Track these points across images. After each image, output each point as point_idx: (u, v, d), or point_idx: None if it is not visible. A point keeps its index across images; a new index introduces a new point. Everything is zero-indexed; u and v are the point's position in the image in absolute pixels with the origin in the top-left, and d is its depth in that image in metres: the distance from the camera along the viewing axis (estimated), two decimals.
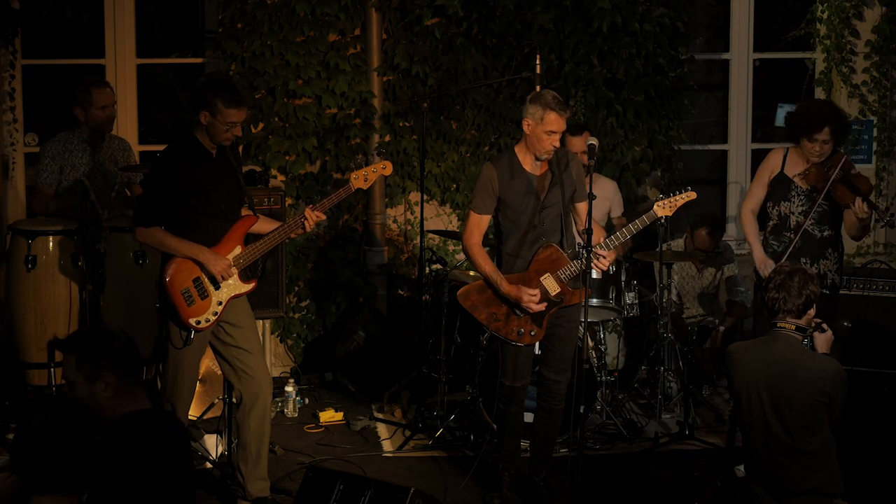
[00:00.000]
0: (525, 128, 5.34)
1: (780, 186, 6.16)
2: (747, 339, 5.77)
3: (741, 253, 7.70)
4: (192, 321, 5.12)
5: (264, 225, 5.35)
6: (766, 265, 6.03)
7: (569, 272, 5.40)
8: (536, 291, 5.35)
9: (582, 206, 5.45)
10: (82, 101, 6.40)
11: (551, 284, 5.40)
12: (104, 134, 6.53)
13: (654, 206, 5.42)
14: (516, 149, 5.44)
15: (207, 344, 5.33)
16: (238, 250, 5.22)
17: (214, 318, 5.17)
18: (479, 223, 5.43)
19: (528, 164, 5.41)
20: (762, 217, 6.33)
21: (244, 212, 5.37)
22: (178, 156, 5.17)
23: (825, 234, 6.08)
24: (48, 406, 3.23)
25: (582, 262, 5.26)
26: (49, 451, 3.12)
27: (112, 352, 3.81)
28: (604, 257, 5.33)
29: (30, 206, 7.58)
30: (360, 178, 5.40)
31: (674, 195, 5.43)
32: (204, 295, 5.14)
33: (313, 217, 5.29)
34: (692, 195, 5.48)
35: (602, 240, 5.37)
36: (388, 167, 5.50)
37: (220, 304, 5.18)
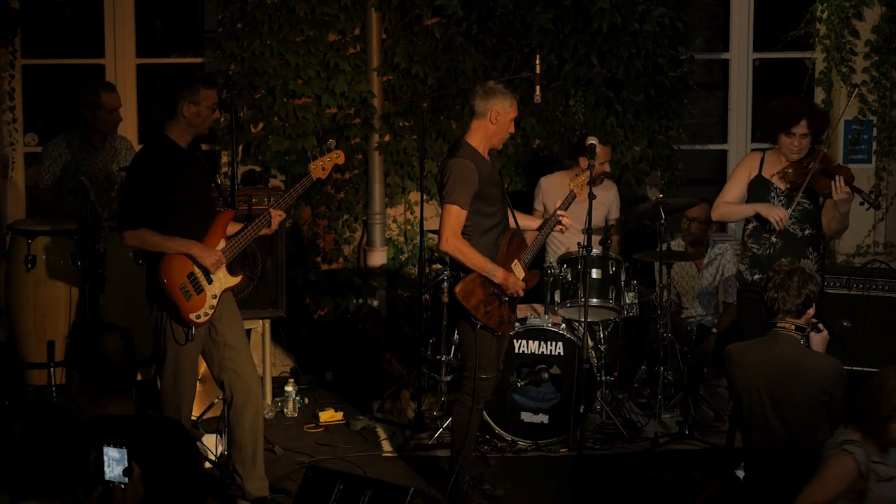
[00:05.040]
0: (491, 119, 5.40)
1: (758, 188, 6.05)
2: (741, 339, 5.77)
3: None
4: (193, 316, 5.14)
5: (231, 226, 5.40)
6: (775, 211, 5.90)
7: (529, 255, 5.57)
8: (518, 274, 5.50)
9: None
10: (90, 103, 6.40)
11: (519, 270, 5.50)
12: (107, 135, 6.54)
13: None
14: (471, 142, 5.44)
15: (203, 340, 5.33)
16: (223, 244, 5.26)
17: (212, 311, 5.20)
18: (461, 219, 5.36)
19: (486, 154, 5.49)
20: (742, 221, 6.26)
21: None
22: (155, 156, 5.20)
23: (806, 232, 6.01)
24: (31, 411, 3.21)
25: (545, 236, 5.66)
26: (32, 456, 3.11)
27: None
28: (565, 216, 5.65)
29: (30, 205, 7.58)
30: (318, 168, 5.48)
31: None
32: (199, 289, 5.17)
33: (277, 217, 5.35)
34: None
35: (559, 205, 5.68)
36: (342, 156, 5.56)
37: (215, 297, 5.21)
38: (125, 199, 5.27)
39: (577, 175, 5.89)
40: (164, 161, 5.16)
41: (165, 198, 5.14)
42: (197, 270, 5.17)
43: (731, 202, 6.12)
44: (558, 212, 5.66)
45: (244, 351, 5.40)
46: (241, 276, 5.35)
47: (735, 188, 6.13)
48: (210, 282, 5.20)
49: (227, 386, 5.37)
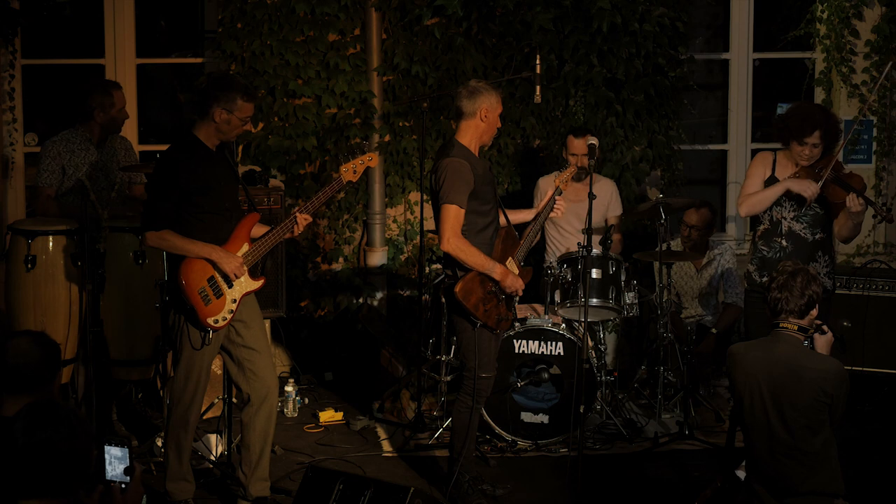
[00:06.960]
0: (481, 116, 5.41)
1: None
2: (745, 340, 5.77)
3: (741, 253, 7.70)
4: (211, 321, 5.12)
5: (256, 228, 5.37)
6: (805, 184, 5.88)
7: (522, 252, 5.61)
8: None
9: None
10: (103, 103, 6.39)
11: (513, 267, 5.54)
12: (110, 135, 6.54)
13: None
14: (462, 141, 5.45)
15: (220, 344, 5.32)
16: (246, 247, 5.23)
17: (230, 315, 5.18)
18: (460, 218, 5.37)
19: (477, 153, 5.49)
20: (753, 222, 6.26)
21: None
22: (181, 156, 5.16)
23: (817, 237, 6.03)
24: (31, 411, 3.21)
25: (540, 225, 5.68)
26: (33, 456, 3.10)
27: None
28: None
29: (30, 206, 7.57)
30: (350, 171, 5.43)
31: None
32: (219, 294, 5.14)
33: (302, 221, 5.30)
34: None
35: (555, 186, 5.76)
36: (375, 159, 5.52)
37: (235, 301, 5.19)
38: (148, 199, 5.25)
39: (560, 171, 5.92)
40: (188, 162, 5.13)
41: (188, 199, 5.11)
42: (217, 275, 5.15)
43: (756, 192, 6.06)
44: (555, 196, 5.70)
45: (265, 353, 5.39)
46: (262, 281, 5.32)
47: (755, 182, 6.10)
48: (230, 286, 5.18)
49: (244, 387, 5.35)
